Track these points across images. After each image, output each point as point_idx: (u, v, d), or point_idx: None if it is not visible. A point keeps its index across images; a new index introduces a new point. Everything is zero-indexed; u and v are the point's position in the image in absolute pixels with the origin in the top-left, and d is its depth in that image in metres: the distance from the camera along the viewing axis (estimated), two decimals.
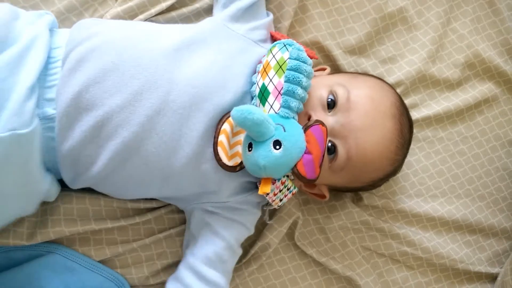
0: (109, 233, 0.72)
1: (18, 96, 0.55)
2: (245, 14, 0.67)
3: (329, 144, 0.64)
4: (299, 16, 0.78)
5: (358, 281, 0.77)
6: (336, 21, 0.79)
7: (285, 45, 0.62)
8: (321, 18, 0.79)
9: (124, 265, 0.72)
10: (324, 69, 0.74)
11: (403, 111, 0.69)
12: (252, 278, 0.77)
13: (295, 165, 0.58)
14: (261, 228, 0.76)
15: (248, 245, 0.76)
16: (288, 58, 0.60)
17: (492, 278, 0.83)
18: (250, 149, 0.58)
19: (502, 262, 0.83)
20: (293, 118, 0.60)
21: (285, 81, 0.59)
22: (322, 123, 0.60)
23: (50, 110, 0.59)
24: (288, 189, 0.64)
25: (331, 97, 0.64)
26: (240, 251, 0.70)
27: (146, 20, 0.72)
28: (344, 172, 0.65)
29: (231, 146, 0.61)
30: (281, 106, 0.59)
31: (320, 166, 0.60)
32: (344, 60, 0.79)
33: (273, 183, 0.61)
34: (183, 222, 0.73)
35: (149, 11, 0.72)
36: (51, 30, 0.65)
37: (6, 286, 0.66)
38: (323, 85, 0.65)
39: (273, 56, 0.61)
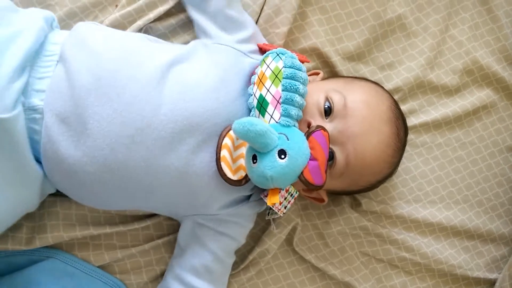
0: (108, 239, 0.72)
1: (1, 78, 0.55)
2: (231, 24, 0.68)
3: (331, 153, 0.64)
4: (298, 23, 0.79)
5: (357, 287, 0.78)
6: (335, 28, 0.80)
7: (278, 54, 0.62)
8: (320, 24, 0.79)
9: (123, 270, 0.72)
10: (317, 74, 0.75)
11: (399, 115, 0.70)
12: (251, 283, 0.77)
13: (302, 173, 0.58)
14: (260, 234, 0.77)
15: (246, 251, 0.76)
16: (283, 66, 0.61)
17: (491, 284, 0.83)
18: (255, 161, 0.57)
19: (500, 268, 0.83)
20: (294, 126, 0.60)
21: (282, 90, 0.60)
22: (324, 129, 0.60)
23: (37, 101, 0.59)
24: (291, 195, 0.64)
25: (327, 104, 0.65)
26: (231, 260, 0.70)
27: (145, 26, 0.73)
28: (343, 177, 0.66)
29: (234, 160, 0.61)
30: (281, 115, 0.59)
31: (326, 171, 0.60)
32: (342, 67, 0.80)
33: (279, 192, 0.61)
34: None
35: (147, 16, 0.72)
36: (52, 28, 0.65)
37: None
38: (319, 91, 0.66)
39: (268, 66, 0.62)
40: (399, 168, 0.79)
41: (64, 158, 0.59)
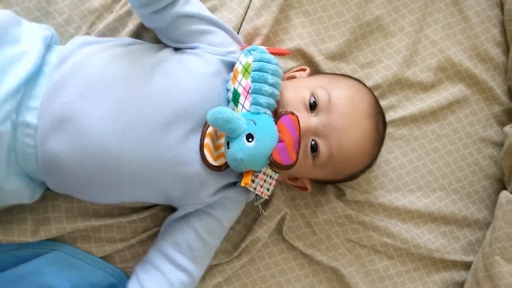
0: (108, 231, 0.76)
1: None
2: (200, 36, 0.71)
3: (312, 143, 0.69)
4: (283, 25, 0.84)
5: (342, 271, 0.82)
6: (318, 30, 0.85)
7: (249, 51, 0.68)
8: (304, 27, 0.84)
9: (123, 260, 0.76)
10: (304, 70, 0.80)
11: (378, 110, 0.75)
12: (244, 270, 0.82)
13: (271, 154, 0.63)
14: (251, 224, 0.82)
15: (239, 240, 0.81)
16: (252, 61, 0.66)
17: (467, 266, 0.88)
18: (228, 146, 0.63)
19: (475, 251, 0.88)
20: (265, 113, 0.65)
21: (252, 81, 0.65)
22: (292, 113, 0.65)
23: (30, 118, 0.62)
24: (271, 177, 0.69)
25: (313, 99, 0.69)
26: (213, 243, 0.72)
27: (136, 28, 0.76)
28: (327, 168, 0.71)
29: (216, 147, 0.66)
30: (251, 104, 0.65)
31: (297, 152, 0.65)
32: (326, 66, 0.85)
33: (256, 176, 0.67)
34: None
35: (139, 19, 0.76)
36: (49, 46, 0.68)
37: (13, 281, 0.70)
38: (304, 87, 0.71)
39: (239, 62, 0.68)
40: (380, 160, 0.84)
41: (63, 160, 0.62)
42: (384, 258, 0.86)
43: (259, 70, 0.65)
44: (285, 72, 0.81)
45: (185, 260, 0.68)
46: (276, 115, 0.66)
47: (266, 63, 0.66)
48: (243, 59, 0.67)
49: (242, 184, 0.65)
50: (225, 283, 0.81)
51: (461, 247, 0.89)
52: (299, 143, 0.66)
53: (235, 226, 0.80)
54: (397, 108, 0.88)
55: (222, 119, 0.61)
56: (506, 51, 0.92)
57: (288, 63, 0.83)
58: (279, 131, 0.64)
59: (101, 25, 0.76)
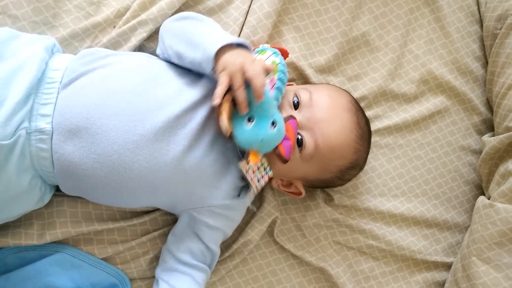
0: (110, 234, 0.80)
1: (5, 111, 0.62)
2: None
3: (299, 137, 0.74)
4: (276, 40, 0.89)
5: (330, 271, 0.87)
6: (308, 44, 0.90)
7: (275, 53, 0.75)
8: (295, 41, 0.89)
9: (124, 261, 0.80)
10: (291, 85, 0.85)
11: (358, 108, 0.80)
12: (237, 270, 0.86)
13: (277, 146, 0.70)
14: (243, 226, 0.86)
15: (232, 241, 0.85)
16: (279, 63, 0.73)
17: (448, 266, 0.92)
18: (251, 120, 0.67)
19: (456, 253, 0.93)
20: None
21: (277, 79, 0.71)
22: (295, 118, 0.72)
23: (43, 124, 0.66)
24: (264, 169, 0.75)
25: (295, 98, 0.76)
26: (218, 251, 0.79)
27: (138, 43, 0.80)
28: (313, 161, 0.75)
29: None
30: (274, 98, 0.71)
31: (291, 153, 0.72)
32: (315, 78, 0.90)
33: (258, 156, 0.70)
34: (175, 221, 0.81)
35: (141, 35, 0.80)
36: (52, 53, 0.72)
37: (19, 282, 0.74)
38: (290, 91, 0.78)
39: (268, 57, 0.74)
40: (367, 167, 0.89)
41: (77, 165, 0.66)
42: (370, 259, 0.91)
43: (284, 73, 0.73)
44: None
45: (202, 264, 0.77)
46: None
47: (287, 72, 0.74)
48: (271, 56, 0.73)
49: (252, 162, 0.68)
50: (219, 282, 0.85)
51: (442, 249, 0.93)
52: (297, 145, 0.73)
53: None
54: (382, 118, 0.93)
55: (268, 98, 0.66)
56: (485, 65, 0.97)
57: None
58: (286, 130, 0.70)
59: (104, 39, 0.80)
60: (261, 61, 0.71)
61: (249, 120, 0.67)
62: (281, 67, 0.73)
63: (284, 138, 0.70)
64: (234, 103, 0.67)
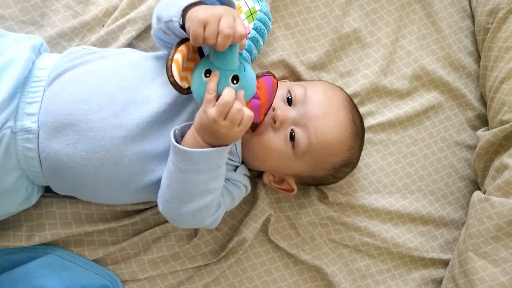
0: (100, 235, 0.79)
1: None
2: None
3: (292, 134, 0.73)
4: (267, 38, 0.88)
5: (325, 269, 0.86)
6: (299, 42, 0.90)
7: None
8: (286, 39, 0.89)
9: (114, 262, 0.79)
10: (286, 81, 0.85)
11: (353, 106, 0.80)
12: (232, 271, 0.85)
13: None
14: (237, 224, 0.85)
15: (226, 240, 0.84)
16: (259, 10, 0.66)
17: (445, 263, 0.92)
18: (208, 75, 0.60)
19: (453, 249, 0.93)
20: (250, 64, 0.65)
21: (253, 28, 0.65)
22: (274, 76, 0.66)
23: (28, 123, 0.65)
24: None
25: (289, 94, 0.75)
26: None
27: (127, 42, 0.79)
28: (307, 157, 0.74)
29: (184, 69, 0.63)
30: (245, 49, 0.64)
31: (265, 115, 0.66)
32: (307, 75, 0.89)
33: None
34: (167, 221, 0.80)
35: (130, 33, 0.79)
36: (40, 53, 0.71)
37: (7, 284, 0.73)
38: (283, 86, 0.76)
39: (245, 2, 0.67)
40: (360, 163, 0.88)
41: (65, 163, 0.66)
42: (366, 257, 0.90)
43: (263, 23, 0.65)
44: None
45: None
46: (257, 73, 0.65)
47: (269, 21, 0.66)
48: (249, 1, 0.66)
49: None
50: (213, 283, 0.84)
51: (438, 246, 0.93)
52: (270, 106, 0.67)
53: (222, 227, 0.84)
54: (376, 115, 0.93)
55: (230, 48, 0.57)
56: (478, 60, 0.97)
57: None
58: (257, 88, 0.64)
59: (92, 38, 0.80)
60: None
61: (206, 73, 0.61)
62: (260, 15, 0.64)
63: (253, 97, 0.63)
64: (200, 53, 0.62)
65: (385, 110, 0.93)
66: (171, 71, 0.60)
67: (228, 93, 0.60)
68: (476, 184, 0.95)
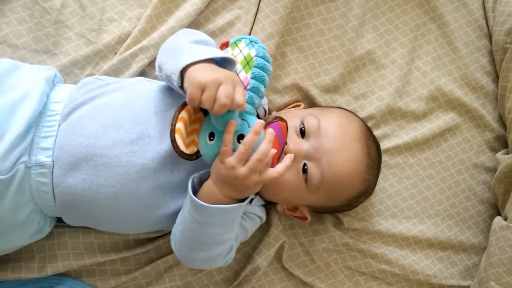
0: (112, 264, 0.78)
1: (4, 145, 0.61)
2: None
3: (305, 167, 0.71)
4: (279, 61, 0.87)
5: None
6: (312, 64, 0.88)
7: (251, 42, 0.64)
8: (299, 62, 0.88)
9: None
10: (298, 106, 0.83)
11: (369, 136, 0.77)
12: None
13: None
14: (250, 252, 0.84)
15: (239, 268, 0.83)
16: (255, 55, 0.63)
17: None
18: (212, 138, 0.60)
19: (473, 276, 0.90)
20: (254, 114, 0.64)
21: (251, 78, 0.62)
22: (282, 119, 0.65)
23: (43, 158, 0.65)
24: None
25: (302, 126, 0.73)
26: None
27: (140, 69, 0.79)
28: (320, 191, 0.73)
29: (188, 133, 0.62)
30: (247, 102, 0.62)
31: (278, 159, 0.64)
32: (321, 98, 0.88)
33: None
34: None
35: (143, 61, 0.79)
36: (54, 85, 0.71)
37: None
38: (296, 116, 0.74)
39: (240, 51, 0.64)
40: (377, 188, 0.86)
41: (80, 198, 0.65)
42: (383, 285, 0.88)
43: (261, 68, 0.62)
44: (280, 109, 0.85)
45: None
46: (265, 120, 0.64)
47: (267, 63, 0.63)
48: (244, 49, 0.63)
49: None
50: None
51: (458, 272, 0.90)
52: (282, 150, 0.66)
53: (236, 255, 0.82)
54: (391, 137, 0.91)
55: (229, 114, 0.57)
56: (496, 80, 0.95)
57: (285, 98, 0.87)
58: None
59: (105, 66, 0.80)
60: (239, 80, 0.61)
61: (210, 136, 0.60)
62: (257, 61, 0.62)
63: None
64: (204, 112, 0.61)
65: (401, 132, 0.91)
66: (176, 143, 0.60)
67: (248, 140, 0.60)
68: (496, 208, 0.92)
